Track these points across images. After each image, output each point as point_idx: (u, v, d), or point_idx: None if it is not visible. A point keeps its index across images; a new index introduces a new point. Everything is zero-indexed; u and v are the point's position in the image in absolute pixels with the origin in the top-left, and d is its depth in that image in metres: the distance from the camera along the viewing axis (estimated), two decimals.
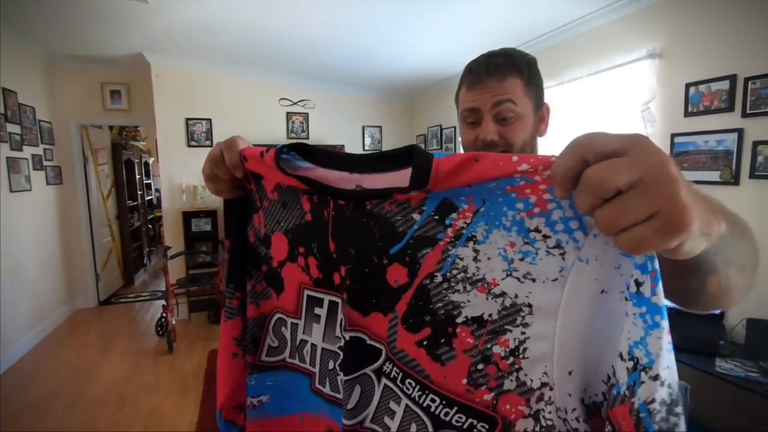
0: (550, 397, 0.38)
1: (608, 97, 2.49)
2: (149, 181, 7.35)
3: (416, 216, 0.44)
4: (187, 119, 4.10)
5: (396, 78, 4.48)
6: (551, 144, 0.65)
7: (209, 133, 4.20)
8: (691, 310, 0.52)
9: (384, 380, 0.49)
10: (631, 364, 0.33)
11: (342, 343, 0.51)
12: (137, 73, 4.12)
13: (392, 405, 0.48)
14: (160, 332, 3.67)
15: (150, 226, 7.26)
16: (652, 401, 0.32)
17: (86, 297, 4.47)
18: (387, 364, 0.48)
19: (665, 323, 0.32)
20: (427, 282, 0.43)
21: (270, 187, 0.56)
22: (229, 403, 0.62)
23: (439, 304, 0.43)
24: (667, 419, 0.32)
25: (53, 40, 3.52)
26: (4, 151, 3.16)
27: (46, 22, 3.10)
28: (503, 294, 0.40)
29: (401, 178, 0.44)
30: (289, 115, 4.60)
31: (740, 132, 1.95)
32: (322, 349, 0.56)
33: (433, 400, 0.44)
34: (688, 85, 2.16)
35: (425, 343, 0.44)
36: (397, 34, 3.20)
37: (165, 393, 2.74)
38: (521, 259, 0.39)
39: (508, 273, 0.39)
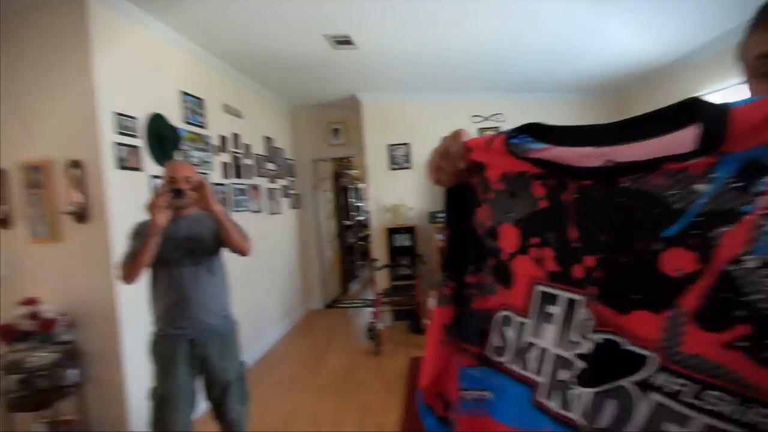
0: None
1: None
2: (360, 204, 8.51)
3: (702, 187, 0.35)
4: (389, 145, 4.60)
5: (599, 74, 3.99)
6: None
7: (408, 156, 4.60)
8: None
9: (653, 395, 0.39)
10: None
11: (583, 350, 0.44)
12: (351, 111, 4.87)
13: (670, 427, 0.38)
14: (370, 336, 4.13)
15: (361, 243, 8.37)
16: None
17: (316, 300, 5.42)
18: (660, 374, 0.38)
19: None
20: (734, 268, 0.34)
21: (495, 177, 0.53)
22: (431, 388, 0.63)
23: (760, 296, 0.33)
24: None
25: (295, 95, 4.52)
26: (265, 184, 4.19)
27: (290, 82, 4.01)
28: None
29: (674, 142, 0.36)
30: (481, 130, 4.63)
31: None
32: (555, 355, 0.49)
33: (762, 415, 0.34)
34: None
35: (742, 344, 0.34)
36: (595, 24, 2.86)
37: (374, 390, 3.05)
38: None
39: None
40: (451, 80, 4.10)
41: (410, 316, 4.40)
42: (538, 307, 0.50)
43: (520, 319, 0.53)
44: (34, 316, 2.03)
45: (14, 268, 2.25)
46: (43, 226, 2.20)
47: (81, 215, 2.15)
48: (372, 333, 4.02)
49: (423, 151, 4.53)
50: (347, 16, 2.61)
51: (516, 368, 0.53)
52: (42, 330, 2.03)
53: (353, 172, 7.69)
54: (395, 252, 4.55)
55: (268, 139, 4.34)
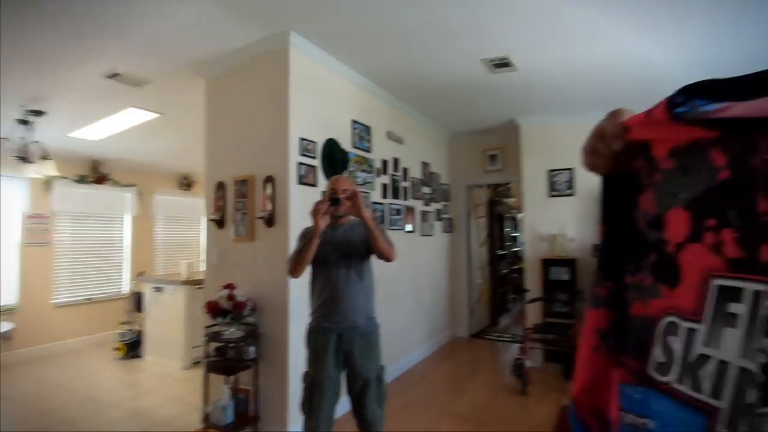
0: None
1: None
2: (516, 234, 8.09)
3: None
4: (549, 170, 4.31)
5: None
6: None
7: (570, 183, 4.23)
8: None
9: None
10: None
11: (765, 361, 0.35)
12: (509, 136, 4.76)
13: None
14: (516, 373, 3.82)
15: (516, 275, 7.90)
16: None
17: (462, 327, 5.31)
18: None
19: None
20: None
21: (662, 154, 0.47)
22: (584, 399, 0.55)
23: None
24: None
25: (453, 121, 4.68)
26: (419, 207, 4.39)
27: (448, 109, 4.17)
28: None
29: None
30: None
31: None
32: (739, 369, 0.38)
33: None
34: None
35: None
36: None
37: (516, 429, 2.80)
38: None
39: None
40: (617, 98, 3.62)
41: (564, 359, 3.92)
42: (714, 308, 0.41)
43: (690, 324, 0.43)
44: (231, 298, 2.55)
45: (223, 259, 2.88)
46: (243, 228, 2.77)
47: (269, 220, 2.64)
48: (518, 370, 3.72)
49: (588, 176, 4.07)
50: (504, 38, 2.61)
51: (685, 389, 0.43)
52: (235, 310, 2.53)
53: (510, 201, 7.42)
54: (551, 286, 4.16)
55: (425, 164, 4.57)
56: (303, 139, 2.72)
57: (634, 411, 0.48)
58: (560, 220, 4.24)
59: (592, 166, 0.54)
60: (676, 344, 0.44)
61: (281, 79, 2.65)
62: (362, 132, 3.41)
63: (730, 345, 0.38)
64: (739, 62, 2.83)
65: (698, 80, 0.41)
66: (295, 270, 1.93)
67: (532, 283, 4.30)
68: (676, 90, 0.42)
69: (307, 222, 1.96)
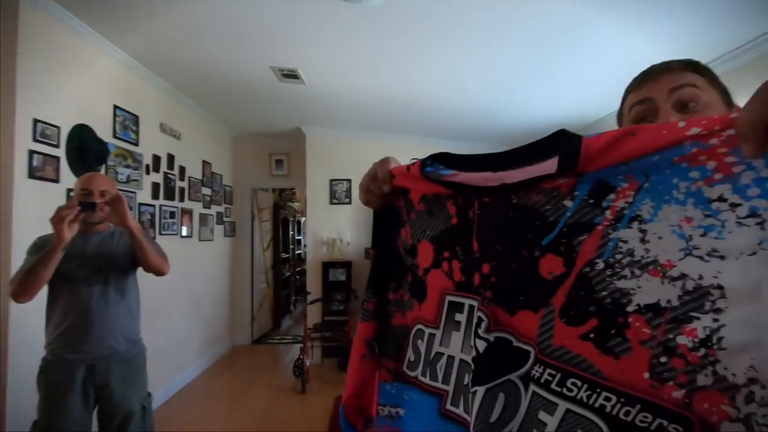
0: (762, 398, 0.31)
1: None
2: (300, 237, 8.38)
3: (568, 203, 0.42)
4: (331, 180, 4.66)
5: (530, 129, 4.40)
6: None
7: (348, 192, 4.68)
8: None
9: (532, 387, 0.44)
10: None
11: (475, 354, 0.48)
12: (296, 143, 4.92)
13: (542, 416, 0.42)
14: (297, 373, 3.97)
15: (298, 277, 8.16)
16: None
17: (243, 335, 5.14)
18: (537, 367, 0.43)
19: None
20: (588, 270, 0.40)
21: (416, 198, 0.59)
22: (352, 403, 0.64)
23: (604, 293, 0.39)
24: None
25: (238, 122, 4.50)
26: (198, 209, 4.03)
27: (234, 108, 4.00)
28: (683, 276, 0.35)
29: (546, 166, 0.42)
30: None
31: None
32: (460, 360, 0.53)
33: (607, 399, 0.38)
34: None
35: (592, 335, 0.39)
36: (533, 85, 3.22)
37: (295, 429, 2.90)
38: (702, 235, 0.34)
39: (687, 252, 0.35)
40: (393, 123, 4.32)
41: (341, 353, 4.31)
42: (446, 317, 0.55)
43: (431, 330, 0.57)
44: None
45: None
46: None
47: None
48: (299, 370, 3.88)
49: None
50: (295, 52, 2.71)
51: (426, 380, 0.57)
52: None
53: (295, 205, 7.63)
54: (330, 287, 4.51)
55: (206, 163, 4.24)
56: (39, 121, 2.13)
57: (390, 403, 0.61)
58: (339, 225, 4.64)
59: (366, 202, 0.65)
60: (422, 346, 0.58)
61: (7, 37, 2.00)
62: (128, 121, 2.91)
63: (455, 344, 0.53)
64: (495, 89, 3.72)
65: (440, 152, 0.55)
66: (23, 293, 1.50)
67: (314, 284, 4.55)
68: (427, 156, 0.55)
69: (44, 229, 1.55)
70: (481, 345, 0.47)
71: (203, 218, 4.14)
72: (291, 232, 7.36)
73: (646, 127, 0.35)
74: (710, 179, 0.33)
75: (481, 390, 0.46)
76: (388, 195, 0.61)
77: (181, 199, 3.69)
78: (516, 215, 0.45)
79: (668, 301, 0.35)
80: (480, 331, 0.47)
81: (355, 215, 4.67)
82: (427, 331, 0.57)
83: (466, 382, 0.51)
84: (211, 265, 4.39)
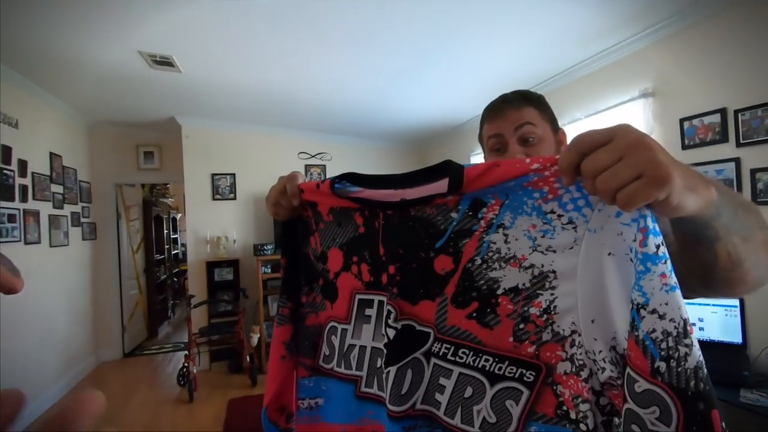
0: (579, 342, 0.46)
1: None
2: (176, 236, 7.67)
3: (454, 215, 0.54)
4: (213, 174, 4.38)
5: (406, 128, 4.73)
6: None
7: (233, 187, 4.46)
8: (718, 294, 0.55)
9: (433, 360, 0.56)
10: (630, 306, 0.41)
11: (386, 340, 0.58)
12: (169, 134, 4.48)
13: (442, 381, 0.55)
14: (182, 382, 3.71)
15: (175, 279, 7.48)
16: (653, 331, 0.38)
17: (112, 349, 4.57)
18: (436, 344, 0.56)
19: (657, 268, 0.38)
20: (470, 265, 0.53)
21: (325, 211, 0.67)
22: (274, 403, 0.69)
23: (482, 282, 0.52)
24: (675, 348, 0.37)
25: (95, 109, 3.92)
26: (47, 210, 3.44)
27: (85, 91, 3.47)
28: (532, 266, 0.49)
29: (438, 186, 0.54)
30: (307, 167, 4.86)
31: (737, 161, 2.01)
32: (372, 348, 0.63)
33: (486, 360, 0.52)
34: (682, 120, 2.26)
35: (474, 314, 0.53)
36: (404, 86, 3.45)
37: None
38: (542, 236, 0.48)
39: (534, 248, 0.49)
40: (279, 117, 4.23)
41: (231, 355, 4.14)
42: (356, 313, 0.64)
43: (343, 326, 0.66)
44: None
45: None
46: None
47: None
48: (184, 379, 3.64)
49: (249, 182, 4.48)
50: (168, 38, 2.49)
51: (341, 370, 0.66)
52: None
53: (169, 201, 6.94)
54: (216, 287, 4.27)
55: (55, 156, 3.62)
56: None
57: (309, 396, 0.69)
58: (224, 222, 4.40)
59: (275, 214, 0.70)
60: (335, 341, 0.67)
61: None
62: None
63: (366, 334, 0.64)
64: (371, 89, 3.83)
65: (347, 172, 0.63)
66: None
67: (197, 286, 4.26)
68: (336, 176, 0.63)
69: None
70: (391, 332, 0.58)
71: (54, 220, 3.55)
72: (165, 231, 6.69)
73: (505, 162, 0.49)
74: (546, 198, 0.47)
75: (393, 369, 0.56)
76: (296, 208, 0.68)
77: (23, 199, 3.11)
78: (414, 224, 0.57)
79: (523, 284, 0.49)
80: (390, 322, 0.58)
81: (241, 211, 4.48)
82: (340, 327, 0.66)
83: (378, 365, 0.61)
84: (67, 273, 3.80)
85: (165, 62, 2.78)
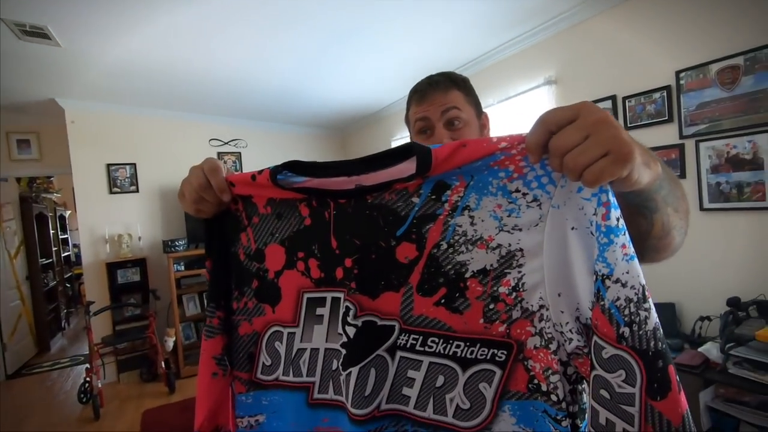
0: (547, 316, 0.47)
1: (517, 120, 2.78)
2: (66, 236, 6.74)
3: (415, 199, 0.51)
4: (109, 165, 3.89)
5: (326, 114, 4.62)
6: None
7: (134, 178, 4.00)
8: (644, 260, 0.59)
9: (400, 353, 0.53)
10: (594, 277, 0.42)
11: (345, 340, 0.54)
12: (49, 119, 3.87)
13: (411, 373, 0.53)
14: (84, 399, 3.30)
15: (68, 285, 6.60)
16: (617, 299, 0.40)
17: None
18: (402, 336, 0.53)
19: (619, 239, 0.40)
20: (435, 251, 0.50)
21: (262, 203, 0.59)
22: (207, 425, 0.61)
23: (449, 267, 0.50)
24: (637, 313, 0.40)
25: None
26: None
27: None
28: (499, 246, 0.48)
29: (400, 170, 0.51)
30: (220, 155, 4.53)
31: None
32: (325, 350, 0.58)
33: (458, 346, 0.50)
34: None
35: (443, 301, 0.51)
36: (323, 71, 3.35)
37: None
38: (508, 216, 0.48)
39: (500, 228, 0.48)
40: (187, 100, 3.86)
41: (142, 363, 3.77)
42: (305, 314, 0.58)
43: (290, 329, 0.59)
44: None
45: None
46: None
47: None
48: (87, 395, 3.24)
49: (153, 173, 4.06)
50: (41, 5, 2.11)
51: (288, 378, 0.60)
52: None
53: (55, 196, 6.05)
54: (120, 290, 3.84)
55: None
56: None
57: (248, 414, 0.62)
58: (125, 218, 3.95)
59: (197, 212, 0.60)
60: (281, 347, 0.60)
61: None
62: None
63: (317, 336, 0.58)
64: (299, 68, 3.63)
65: (290, 161, 0.57)
66: None
67: (96, 291, 3.78)
68: (276, 165, 0.56)
69: None
70: (351, 331, 0.54)
71: None
72: (52, 231, 5.84)
73: (472, 141, 0.47)
74: (511, 177, 0.47)
75: (354, 370, 0.53)
76: (224, 202, 0.60)
77: None
78: (372, 212, 0.53)
79: (491, 265, 0.49)
80: (349, 319, 0.54)
81: (145, 205, 4.05)
82: (286, 331, 0.60)
83: (335, 368, 0.57)
84: None
85: (37, 33, 2.36)
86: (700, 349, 1.75)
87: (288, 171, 0.57)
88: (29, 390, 3.78)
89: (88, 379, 3.22)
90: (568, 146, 0.39)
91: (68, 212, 6.75)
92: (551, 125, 0.40)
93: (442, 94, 0.84)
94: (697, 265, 1.98)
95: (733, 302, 1.73)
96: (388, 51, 2.99)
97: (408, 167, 0.50)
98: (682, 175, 2.04)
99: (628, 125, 2.24)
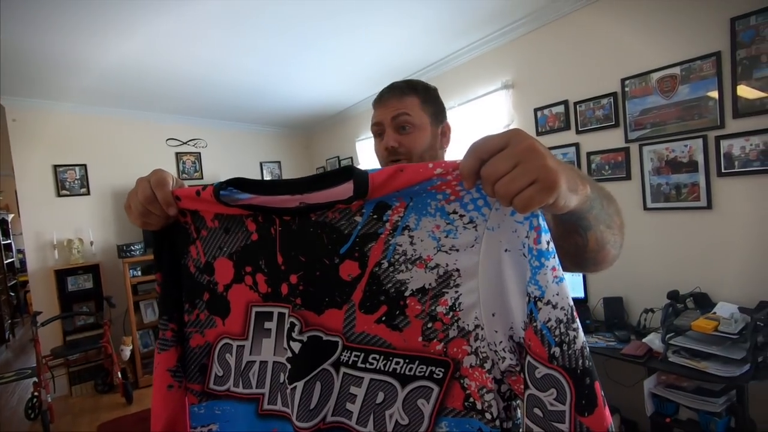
0: (482, 336, 0.48)
1: (477, 122, 2.86)
2: (9, 242, 6.30)
3: (358, 219, 0.52)
4: (56, 166, 3.67)
5: (291, 113, 4.56)
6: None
7: (84, 180, 3.80)
8: (585, 271, 0.65)
9: (343, 369, 0.54)
10: (527, 298, 0.44)
11: (290, 354, 0.54)
12: None
13: (353, 389, 0.53)
14: (32, 415, 3.11)
15: (12, 293, 6.18)
16: (549, 320, 0.42)
17: None
18: (345, 353, 0.54)
19: (549, 263, 0.43)
20: (377, 269, 0.51)
21: (209, 216, 0.59)
22: None
23: (389, 285, 0.51)
24: (566, 333, 0.42)
25: None
26: None
27: None
28: (437, 266, 0.50)
29: (341, 191, 0.52)
30: (178, 155, 4.37)
31: (577, 146, 2.38)
32: (273, 363, 0.58)
33: (397, 363, 0.52)
34: (536, 110, 2.59)
35: (384, 318, 0.52)
36: (287, 70, 3.30)
37: None
38: (446, 236, 0.49)
39: (438, 249, 0.50)
40: (140, 98, 3.70)
41: (97, 374, 3.60)
42: (254, 327, 0.59)
43: (239, 342, 0.60)
44: None
45: None
46: None
47: None
48: (35, 410, 3.06)
49: (106, 174, 3.87)
50: None
51: (239, 390, 0.60)
52: None
53: None
54: (71, 298, 3.63)
55: None
56: None
57: (201, 424, 0.62)
58: (75, 222, 3.74)
59: (144, 225, 0.59)
60: (231, 359, 0.61)
61: None
62: None
63: (266, 349, 0.59)
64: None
65: (233, 177, 0.56)
66: None
67: (44, 299, 3.56)
68: (220, 182, 0.56)
69: None
70: (296, 346, 0.54)
71: None
72: None
73: (409, 166, 0.49)
74: (448, 200, 0.49)
75: (300, 384, 0.54)
76: (171, 216, 0.59)
77: None
78: (316, 230, 0.54)
79: (430, 284, 0.50)
80: (294, 335, 0.55)
81: (97, 208, 3.86)
82: (235, 343, 0.60)
83: (281, 381, 0.57)
84: None
85: None
86: (644, 340, 1.88)
87: (233, 188, 0.57)
88: None
89: (36, 393, 3.03)
90: (498, 174, 0.41)
91: (11, 216, 6.30)
92: (482, 153, 0.42)
93: (397, 99, 0.87)
94: (642, 260, 2.12)
95: (673, 295, 1.87)
96: (351, 53, 2.99)
97: (348, 189, 0.52)
98: (628, 177, 2.18)
99: (579, 129, 2.36)
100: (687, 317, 1.76)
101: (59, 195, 3.69)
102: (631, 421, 2.14)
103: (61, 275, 3.58)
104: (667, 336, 1.73)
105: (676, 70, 1.96)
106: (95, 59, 2.80)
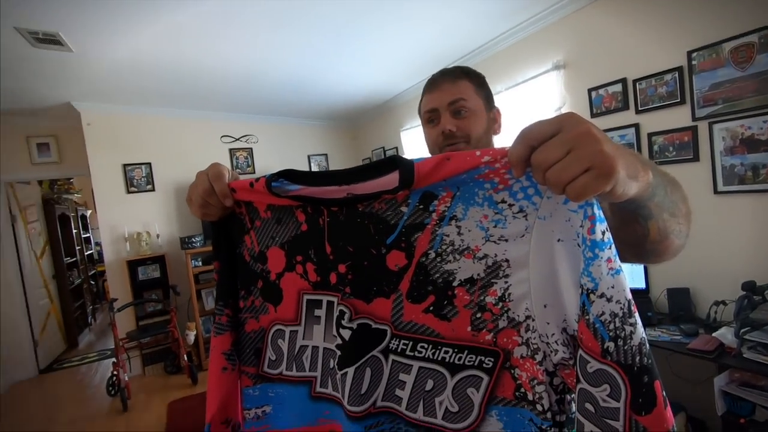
0: (533, 327, 0.48)
1: (526, 106, 2.74)
2: (88, 235, 6.95)
3: (404, 209, 0.52)
4: (125, 165, 3.99)
5: (336, 106, 4.62)
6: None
7: (150, 177, 4.10)
8: (646, 262, 0.61)
9: (392, 357, 0.55)
10: (580, 290, 0.42)
11: (340, 341, 0.56)
12: (66, 122, 3.98)
13: (402, 376, 0.54)
14: (113, 392, 3.45)
15: (93, 282, 6.82)
16: (602, 314, 0.40)
17: (25, 367, 4.10)
18: (393, 341, 0.54)
19: (604, 254, 0.41)
20: (424, 259, 0.52)
21: (263, 207, 0.62)
22: (218, 417, 0.64)
23: (437, 275, 0.51)
24: (622, 328, 0.40)
25: None
26: None
27: None
28: (486, 256, 0.49)
29: (387, 181, 0.53)
30: (232, 151, 4.59)
31: (637, 126, 2.22)
32: (324, 349, 0.60)
33: (446, 352, 0.52)
34: (590, 90, 2.44)
35: (431, 308, 0.52)
36: (331, 64, 3.35)
37: None
38: (495, 226, 0.48)
39: (487, 239, 0.49)
40: (196, 98, 3.91)
41: (166, 356, 3.91)
42: (305, 314, 0.61)
43: (292, 328, 0.62)
44: None
45: None
46: None
47: None
48: (115, 388, 3.38)
49: (168, 171, 4.15)
50: (52, 12, 2.16)
51: (291, 373, 0.63)
52: None
53: (75, 197, 6.23)
54: (141, 286, 3.96)
55: None
56: None
57: (255, 405, 0.65)
58: (143, 216, 4.05)
59: (204, 216, 0.63)
60: (284, 344, 0.64)
61: None
62: None
63: (317, 335, 0.61)
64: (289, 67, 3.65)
65: (285, 169, 0.59)
66: None
67: (119, 288, 3.91)
68: (272, 173, 0.58)
69: None
70: (346, 333, 0.56)
71: None
72: (75, 231, 6.02)
73: (456, 155, 0.48)
74: (497, 189, 0.47)
75: (350, 370, 0.55)
76: (227, 207, 0.62)
77: None
78: (363, 221, 0.55)
79: (478, 274, 0.50)
80: (344, 322, 0.56)
81: (162, 203, 4.15)
82: (288, 329, 0.63)
83: (331, 366, 0.59)
84: None
85: (50, 40, 2.42)
86: (714, 334, 1.74)
87: (284, 179, 0.59)
88: (60, 384, 3.96)
89: (115, 372, 3.35)
90: (549, 162, 0.39)
91: (89, 212, 6.94)
92: (532, 139, 0.41)
93: (451, 84, 0.87)
94: (712, 249, 1.95)
95: (749, 286, 1.71)
96: (395, 40, 2.97)
97: (394, 179, 0.51)
98: (696, 158, 2.00)
99: (639, 108, 2.20)
100: (764, 310, 1.61)
101: (128, 192, 4.01)
102: (698, 419, 2.00)
103: (133, 265, 3.91)
104: (742, 330, 1.59)
105: (753, 38, 1.76)
106: (152, 62, 2.99)
